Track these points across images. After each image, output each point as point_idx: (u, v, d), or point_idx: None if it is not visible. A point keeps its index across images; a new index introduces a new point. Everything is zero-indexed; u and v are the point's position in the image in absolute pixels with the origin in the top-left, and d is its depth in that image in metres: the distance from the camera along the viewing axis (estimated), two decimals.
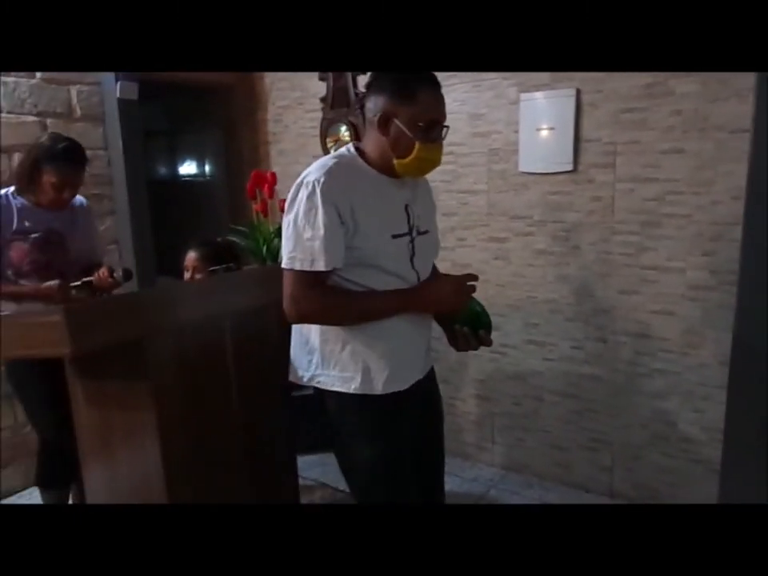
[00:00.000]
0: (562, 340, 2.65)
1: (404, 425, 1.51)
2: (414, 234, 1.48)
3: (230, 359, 1.72)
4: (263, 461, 1.85)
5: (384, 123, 1.39)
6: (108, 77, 2.88)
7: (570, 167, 2.48)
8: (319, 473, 2.88)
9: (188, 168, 4.13)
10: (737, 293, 1.60)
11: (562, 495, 2.66)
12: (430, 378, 1.64)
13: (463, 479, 2.84)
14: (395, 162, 1.42)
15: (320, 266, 1.33)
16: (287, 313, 1.40)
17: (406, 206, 1.48)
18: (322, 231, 1.32)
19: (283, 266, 1.39)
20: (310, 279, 1.35)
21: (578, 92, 2.42)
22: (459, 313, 1.49)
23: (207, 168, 4.01)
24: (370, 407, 1.45)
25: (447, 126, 1.45)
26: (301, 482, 2.36)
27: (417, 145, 1.38)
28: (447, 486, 1.74)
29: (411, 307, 1.46)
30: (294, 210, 1.36)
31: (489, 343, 1.51)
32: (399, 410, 1.49)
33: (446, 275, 1.49)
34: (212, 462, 1.66)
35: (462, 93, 2.69)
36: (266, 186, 2.79)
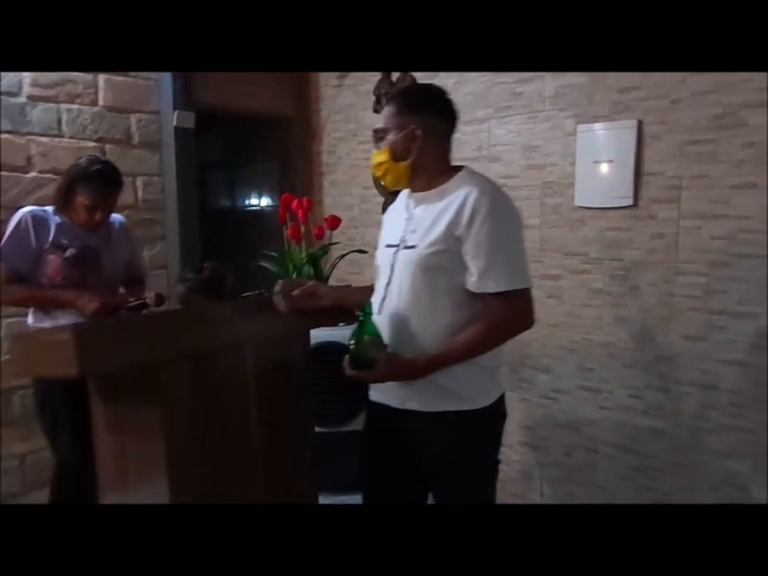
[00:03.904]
0: (619, 387, 2.46)
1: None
2: (401, 246, 1.53)
3: (250, 389, 1.64)
4: (284, 500, 1.74)
5: None
6: (167, 105, 2.96)
7: (629, 202, 2.33)
8: None
9: (243, 199, 4.20)
10: None
11: None
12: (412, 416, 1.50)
13: None
14: None
15: None
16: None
17: (407, 219, 1.56)
18: None
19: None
20: None
21: (640, 123, 2.28)
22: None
23: (262, 199, 4.06)
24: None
25: (383, 130, 1.54)
26: None
27: None
28: None
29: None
30: None
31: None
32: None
33: None
34: (228, 500, 1.56)
35: (518, 124, 2.58)
36: (300, 211, 2.75)
